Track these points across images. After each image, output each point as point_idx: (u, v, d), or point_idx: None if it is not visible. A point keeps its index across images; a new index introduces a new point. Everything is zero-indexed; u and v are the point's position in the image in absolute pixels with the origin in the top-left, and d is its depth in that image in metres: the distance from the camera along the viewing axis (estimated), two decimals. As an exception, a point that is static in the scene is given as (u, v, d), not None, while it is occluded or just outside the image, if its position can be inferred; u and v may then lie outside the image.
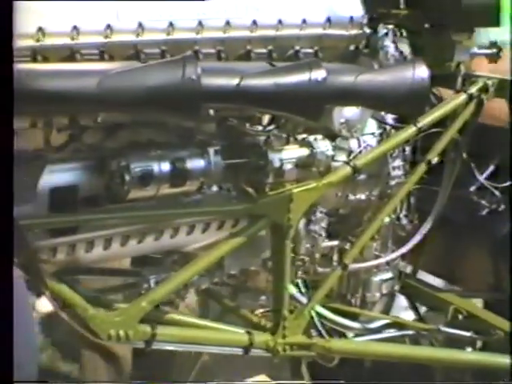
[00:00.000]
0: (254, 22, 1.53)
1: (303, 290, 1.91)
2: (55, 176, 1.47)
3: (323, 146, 1.75)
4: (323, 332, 1.87)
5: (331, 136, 1.80)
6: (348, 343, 1.92)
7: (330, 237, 1.96)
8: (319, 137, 1.75)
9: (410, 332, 2.11)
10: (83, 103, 1.31)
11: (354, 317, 2.08)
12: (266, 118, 1.67)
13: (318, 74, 1.47)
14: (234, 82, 1.40)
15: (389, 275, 2.13)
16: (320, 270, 1.92)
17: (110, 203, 1.50)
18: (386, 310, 2.18)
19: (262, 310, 1.93)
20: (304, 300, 1.88)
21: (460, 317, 2.10)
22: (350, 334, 2.05)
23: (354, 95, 1.57)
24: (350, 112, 1.82)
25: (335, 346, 1.80)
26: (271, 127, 1.66)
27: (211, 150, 1.54)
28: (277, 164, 1.66)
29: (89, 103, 1.31)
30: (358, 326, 2.04)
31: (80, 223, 1.50)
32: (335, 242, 1.97)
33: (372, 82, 1.58)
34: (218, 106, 1.46)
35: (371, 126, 1.94)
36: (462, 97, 1.90)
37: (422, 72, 1.66)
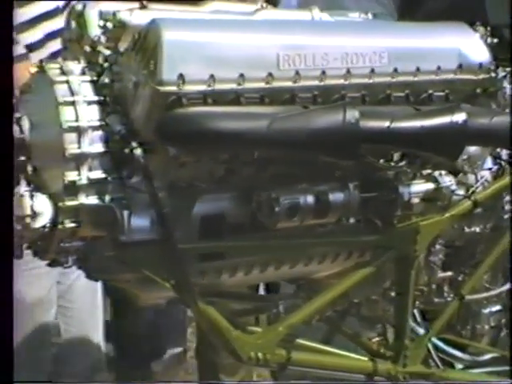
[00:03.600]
0: (395, 70, 1.74)
1: (419, 319, 2.13)
2: (206, 204, 1.68)
3: (447, 180, 1.95)
4: (438, 362, 2.07)
5: (454, 171, 2.01)
6: (463, 374, 2.10)
7: (443, 268, 2.16)
8: (443, 172, 1.97)
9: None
10: (253, 143, 1.53)
11: (461, 348, 2.28)
12: (396, 155, 1.88)
13: (459, 117, 1.68)
14: (385, 124, 1.61)
15: (497, 307, 2.32)
16: (436, 300, 2.13)
17: (255, 232, 1.70)
18: (493, 343, 2.36)
19: (377, 338, 2.14)
20: (419, 330, 2.08)
21: None
22: (459, 366, 2.25)
23: (490, 136, 1.77)
24: (472, 149, 2.02)
25: (453, 377, 1.99)
26: (402, 163, 1.87)
27: (351, 185, 1.75)
28: (406, 198, 1.86)
29: (258, 143, 1.53)
30: (468, 357, 2.24)
31: (229, 250, 1.70)
32: (449, 273, 2.16)
33: (505, 123, 1.79)
34: (370, 147, 1.67)
35: (488, 161, 2.15)
36: None
37: (548, 113, 1.87)
